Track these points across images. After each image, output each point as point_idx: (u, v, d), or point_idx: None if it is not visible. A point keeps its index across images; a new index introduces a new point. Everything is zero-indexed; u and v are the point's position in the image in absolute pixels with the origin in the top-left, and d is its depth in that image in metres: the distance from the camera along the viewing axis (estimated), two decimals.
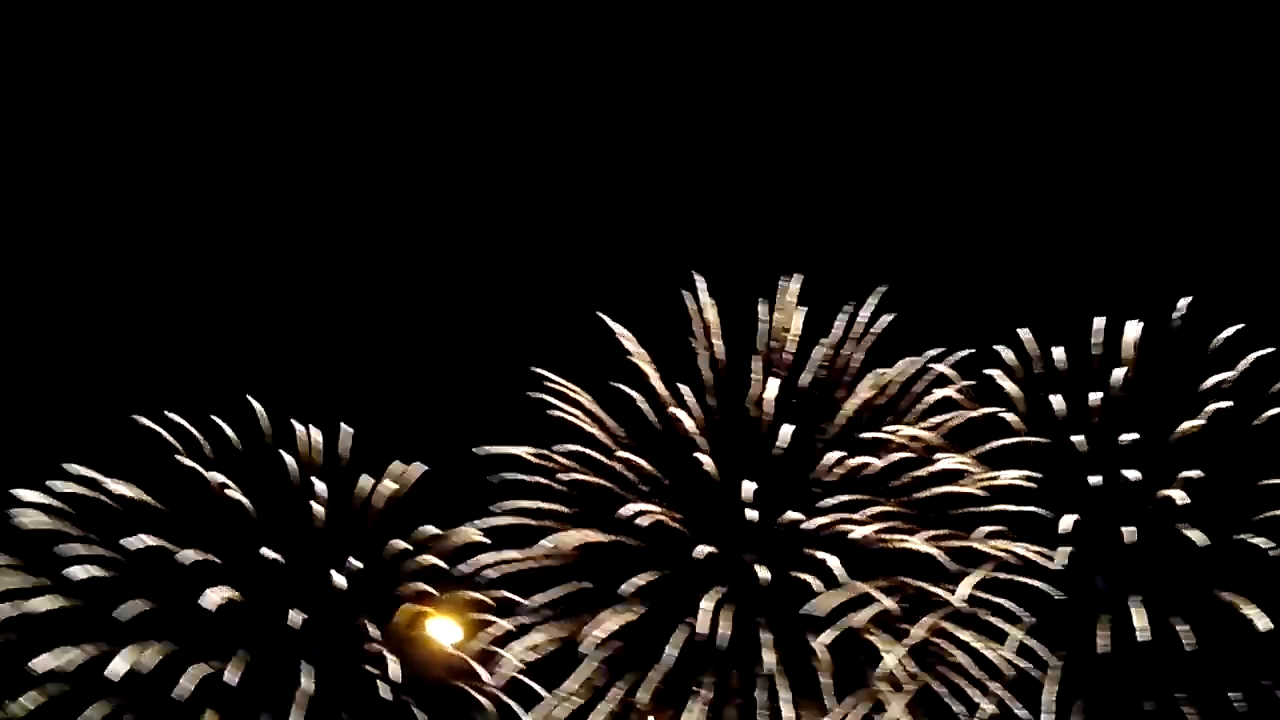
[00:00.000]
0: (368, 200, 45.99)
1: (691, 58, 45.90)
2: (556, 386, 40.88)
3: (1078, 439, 40.23)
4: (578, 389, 41.00)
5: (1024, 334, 41.65)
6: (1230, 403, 40.16)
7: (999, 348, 41.60)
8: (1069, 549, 38.99)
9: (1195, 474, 39.15)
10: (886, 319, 41.85)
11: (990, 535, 39.80)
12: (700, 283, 41.67)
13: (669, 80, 45.71)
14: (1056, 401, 40.82)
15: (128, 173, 44.85)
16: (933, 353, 41.72)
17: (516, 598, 39.46)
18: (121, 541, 37.94)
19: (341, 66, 46.18)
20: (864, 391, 41.94)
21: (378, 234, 45.67)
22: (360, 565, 39.19)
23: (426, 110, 46.29)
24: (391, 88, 46.20)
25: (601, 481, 40.70)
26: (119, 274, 43.77)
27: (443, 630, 26.67)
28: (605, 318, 41.28)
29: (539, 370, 40.92)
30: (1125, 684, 38.74)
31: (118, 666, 36.48)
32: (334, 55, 46.16)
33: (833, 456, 40.90)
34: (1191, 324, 41.25)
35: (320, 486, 39.63)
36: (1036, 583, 39.31)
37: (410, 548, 39.55)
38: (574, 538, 39.96)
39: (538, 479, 40.42)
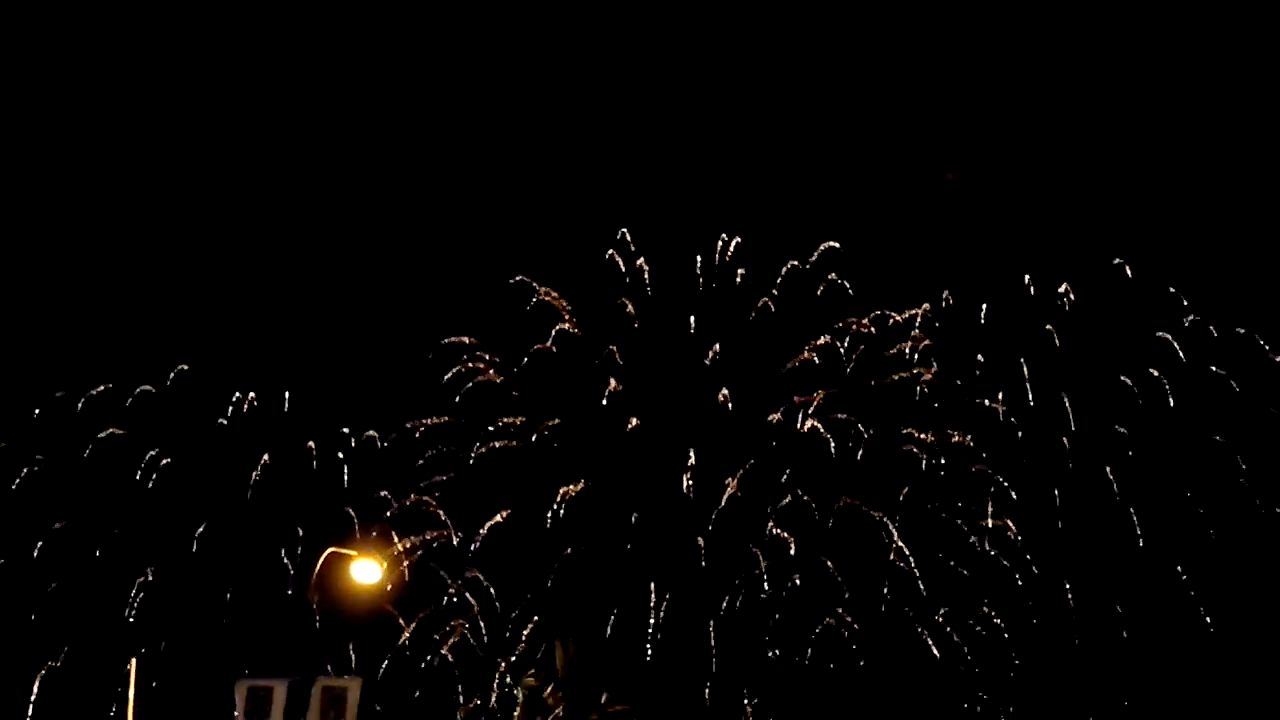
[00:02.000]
0: (299, 177, 45.30)
1: (620, 21, 45.32)
2: (481, 354, 40.62)
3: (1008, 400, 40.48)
4: (495, 357, 40.60)
5: (945, 294, 41.73)
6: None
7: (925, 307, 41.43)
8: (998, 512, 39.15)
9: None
10: (829, 278, 41.62)
11: (929, 496, 39.92)
12: (628, 238, 40.98)
13: (596, 41, 45.10)
14: (991, 362, 41.00)
15: (58, 157, 44.28)
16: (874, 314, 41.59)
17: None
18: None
19: (252, 54, 45.57)
20: (805, 353, 41.78)
21: (298, 200, 45.03)
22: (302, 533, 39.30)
23: (345, 92, 45.70)
24: (323, 88, 45.67)
25: (531, 454, 40.22)
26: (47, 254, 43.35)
27: (365, 571, 26.82)
28: (529, 280, 40.69)
29: (462, 339, 40.43)
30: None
31: None
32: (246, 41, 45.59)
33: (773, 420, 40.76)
34: (1121, 285, 41.48)
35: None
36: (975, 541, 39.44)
37: (353, 514, 39.65)
38: (503, 512, 39.74)
39: (466, 452, 40.06)
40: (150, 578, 38.30)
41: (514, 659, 38.67)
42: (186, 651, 37.92)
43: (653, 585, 39.01)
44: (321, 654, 36.50)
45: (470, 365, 40.40)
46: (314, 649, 36.13)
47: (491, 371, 40.39)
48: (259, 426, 40.96)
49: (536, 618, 38.73)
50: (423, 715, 39.09)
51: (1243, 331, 40.44)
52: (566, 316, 40.90)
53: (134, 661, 27.16)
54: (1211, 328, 40.76)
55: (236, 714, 22.06)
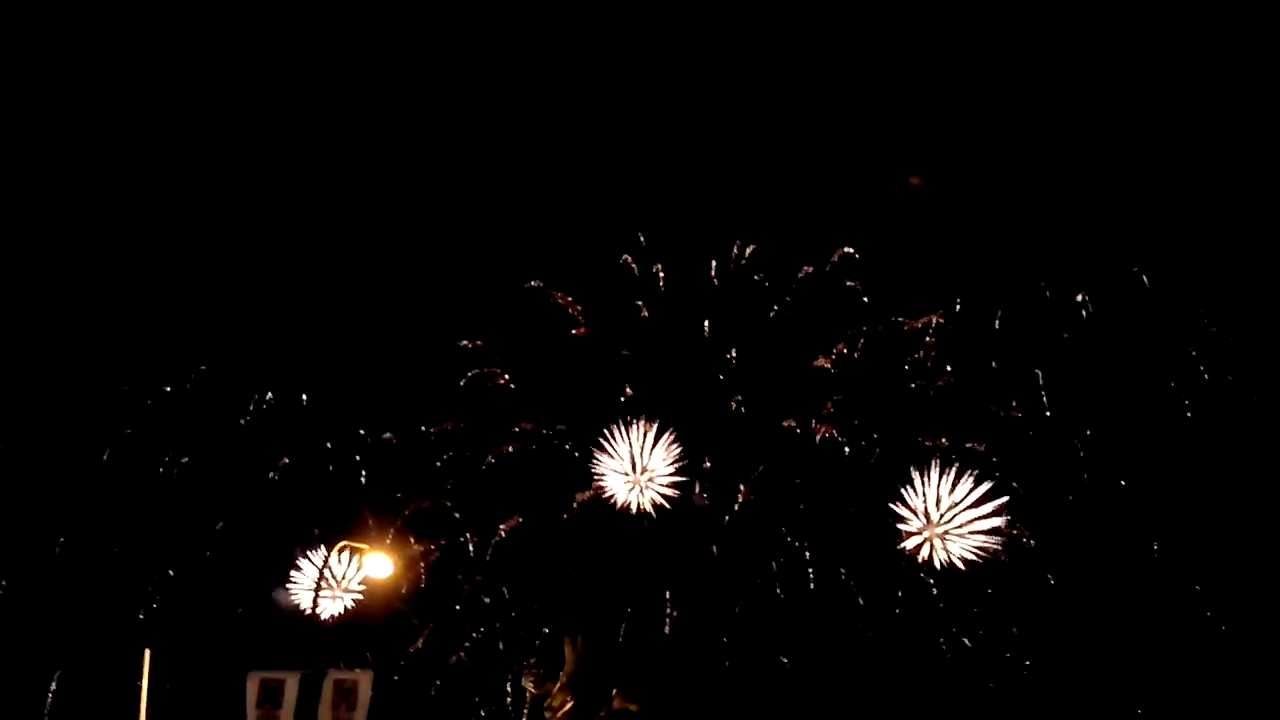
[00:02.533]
0: (318, 184, 45.58)
1: (635, 28, 45.44)
2: (496, 358, 40.84)
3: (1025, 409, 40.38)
4: (510, 361, 40.90)
5: (958, 305, 41.75)
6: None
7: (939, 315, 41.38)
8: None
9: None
10: (844, 284, 41.65)
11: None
12: (643, 242, 41.17)
13: (611, 48, 45.17)
14: (1005, 369, 40.92)
15: (81, 162, 44.63)
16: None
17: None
18: None
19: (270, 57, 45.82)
20: (819, 359, 41.80)
21: (317, 206, 45.39)
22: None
23: (364, 100, 45.96)
24: (347, 103, 45.91)
25: (545, 458, 40.48)
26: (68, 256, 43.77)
27: (378, 565, 27.11)
28: (544, 285, 40.96)
29: (477, 343, 40.71)
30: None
31: None
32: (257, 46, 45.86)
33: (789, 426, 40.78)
34: (1139, 294, 41.32)
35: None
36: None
37: (369, 514, 39.90)
38: (517, 518, 39.93)
39: (480, 456, 40.37)
40: (169, 574, 38.67)
41: (533, 661, 38.77)
42: (202, 646, 38.18)
43: (667, 594, 39.05)
44: (335, 653, 36.78)
45: (485, 369, 40.68)
46: (328, 648, 36.39)
47: (506, 376, 40.63)
48: (277, 427, 41.35)
49: (551, 620, 38.83)
50: (439, 716, 39.26)
51: (1261, 343, 40.25)
52: (581, 321, 41.16)
53: (148, 652, 27.32)
54: (1230, 338, 40.58)
55: (248, 704, 22.18)
